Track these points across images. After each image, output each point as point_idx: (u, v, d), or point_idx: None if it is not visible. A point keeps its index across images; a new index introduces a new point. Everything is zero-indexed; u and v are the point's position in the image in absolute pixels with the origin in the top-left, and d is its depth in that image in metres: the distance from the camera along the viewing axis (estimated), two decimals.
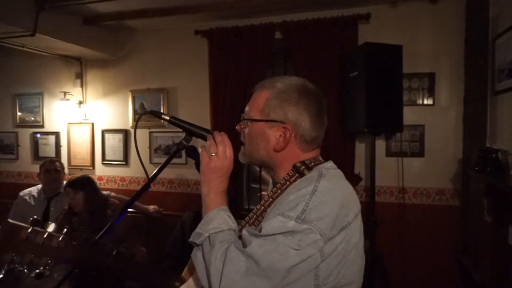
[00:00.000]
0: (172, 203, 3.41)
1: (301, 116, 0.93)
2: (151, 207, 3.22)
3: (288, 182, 0.92)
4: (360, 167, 2.92)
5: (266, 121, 0.94)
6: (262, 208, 0.93)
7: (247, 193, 3.51)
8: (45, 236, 0.90)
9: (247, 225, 0.94)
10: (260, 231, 0.82)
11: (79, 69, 3.80)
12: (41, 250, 0.88)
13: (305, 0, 2.83)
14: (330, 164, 0.96)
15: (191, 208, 3.11)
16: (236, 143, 1.01)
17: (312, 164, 0.94)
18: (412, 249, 2.80)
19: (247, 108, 1.02)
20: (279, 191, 0.92)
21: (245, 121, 1.00)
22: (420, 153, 2.83)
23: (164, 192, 3.52)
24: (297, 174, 0.92)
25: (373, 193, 2.59)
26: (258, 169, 3.42)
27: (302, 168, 0.93)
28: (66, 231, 0.93)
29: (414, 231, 2.81)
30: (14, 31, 2.78)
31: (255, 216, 0.94)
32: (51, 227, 0.93)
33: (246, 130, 0.99)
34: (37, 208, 2.85)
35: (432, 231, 2.78)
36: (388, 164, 2.86)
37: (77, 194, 2.47)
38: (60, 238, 0.91)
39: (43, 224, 0.92)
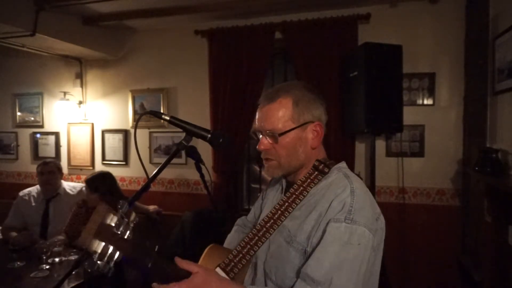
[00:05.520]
0: (172, 203, 3.40)
1: (320, 111, 1.03)
2: (151, 207, 3.21)
3: (309, 180, 1.00)
4: (360, 167, 2.92)
5: (300, 126, 0.99)
6: (287, 203, 0.99)
7: (247, 193, 3.52)
8: (122, 227, 0.84)
9: (267, 225, 1.00)
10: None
11: (79, 69, 3.81)
12: (118, 243, 0.82)
13: (305, 0, 2.83)
14: (345, 164, 1.05)
15: (191, 208, 3.10)
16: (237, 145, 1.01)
17: (328, 162, 1.02)
18: (412, 249, 2.80)
19: (268, 124, 0.99)
20: (301, 188, 0.99)
21: (278, 136, 0.98)
22: (420, 153, 2.82)
23: (164, 192, 3.52)
24: (316, 172, 1.01)
25: (373, 193, 2.58)
26: (258, 169, 3.42)
27: (321, 166, 1.01)
28: (134, 224, 0.88)
29: (414, 231, 2.81)
30: (14, 31, 2.78)
31: (280, 211, 0.99)
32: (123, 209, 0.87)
33: (281, 144, 0.99)
34: (36, 208, 2.84)
35: (432, 231, 2.78)
36: (388, 164, 2.86)
37: (91, 194, 2.47)
38: (129, 231, 0.86)
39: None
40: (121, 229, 0.85)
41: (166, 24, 3.38)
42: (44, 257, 2.08)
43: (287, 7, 2.93)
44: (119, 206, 0.88)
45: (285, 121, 0.98)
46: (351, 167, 2.86)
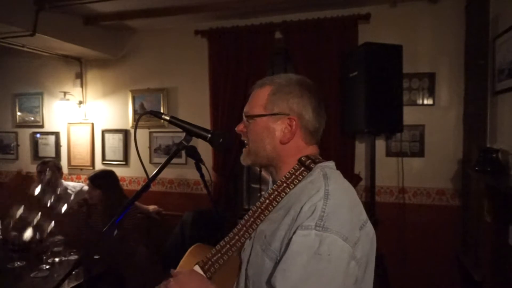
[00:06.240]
0: (172, 203, 3.41)
1: (304, 108, 0.94)
2: (151, 207, 3.22)
3: (293, 176, 0.91)
4: (360, 167, 2.92)
5: (271, 115, 0.95)
6: (267, 201, 0.92)
7: (247, 193, 3.52)
8: (53, 199, 0.87)
9: (247, 224, 0.93)
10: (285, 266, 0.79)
11: (79, 69, 3.81)
12: (48, 212, 0.85)
13: (305, 0, 2.83)
14: (332, 164, 0.96)
15: (191, 208, 3.10)
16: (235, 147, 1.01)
17: (317, 160, 0.94)
18: (412, 249, 2.80)
19: (247, 108, 1.01)
20: (284, 184, 0.91)
21: (248, 119, 0.99)
22: (420, 153, 2.83)
23: (164, 192, 3.52)
24: (302, 168, 0.92)
25: (373, 193, 2.59)
26: (258, 169, 3.42)
27: (308, 161, 0.93)
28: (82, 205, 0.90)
29: (414, 231, 2.81)
30: (14, 31, 2.78)
31: (260, 209, 0.92)
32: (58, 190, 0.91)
33: (250, 128, 0.98)
34: None
35: (432, 231, 2.78)
36: (388, 164, 2.86)
37: (94, 191, 2.48)
38: (65, 207, 0.89)
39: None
40: (51, 202, 0.86)
41: (166, 24, 3.38)
42: (44, 257, 2.07)
43: (287, 7, 2.93)
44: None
45: (257, 107, 0.97)
46: (351, 167, 2.86)
